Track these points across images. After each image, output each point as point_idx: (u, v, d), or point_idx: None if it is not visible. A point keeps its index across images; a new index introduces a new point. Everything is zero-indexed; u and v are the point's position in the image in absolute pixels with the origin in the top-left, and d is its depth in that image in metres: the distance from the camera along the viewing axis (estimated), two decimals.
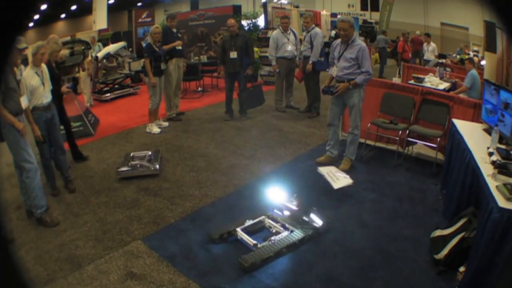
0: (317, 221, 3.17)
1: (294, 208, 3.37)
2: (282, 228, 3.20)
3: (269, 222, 3.30)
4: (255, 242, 2.97)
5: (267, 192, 3.55)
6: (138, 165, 4.36)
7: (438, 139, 4.24)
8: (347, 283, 2.63)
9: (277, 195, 3.48)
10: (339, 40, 4.30)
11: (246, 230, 3.15)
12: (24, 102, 3.29)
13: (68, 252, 3.02)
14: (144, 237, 3.20)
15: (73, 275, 2.77)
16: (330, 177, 3.73)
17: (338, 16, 14.31)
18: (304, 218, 3.25)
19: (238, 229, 3.13)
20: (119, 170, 4.29)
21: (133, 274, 2.75)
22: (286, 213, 3.39)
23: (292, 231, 3.12)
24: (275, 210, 3.43)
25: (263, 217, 3.34)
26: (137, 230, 3.30)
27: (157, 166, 4.35)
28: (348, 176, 3.76)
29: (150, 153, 4.66)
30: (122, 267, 2.84)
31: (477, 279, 2.31)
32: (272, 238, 3.05)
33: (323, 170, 3.87)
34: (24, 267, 2.53)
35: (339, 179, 3.69)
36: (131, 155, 4.61)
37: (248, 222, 3.23)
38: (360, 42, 4.24)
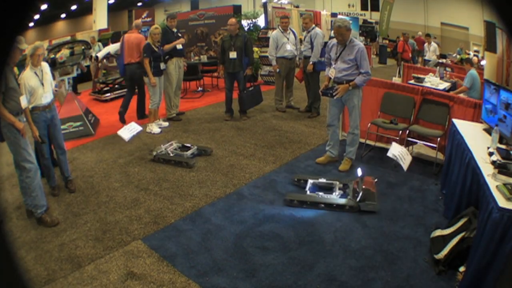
0: (359, 197, 3.55)
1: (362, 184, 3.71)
2: (339, 192, 3.75)
3: (339, 186, 3.84)
4: (307, 190, 3.75)
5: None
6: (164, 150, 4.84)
7: (438, 139, 4.24)
8: (347, 283, 2.63)
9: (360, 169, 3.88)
10: (335, 41, 4.21)
11: (315, 184, 3.86)
12: (23, 102, 3.28)
13: (68, 252, 3.02)
14: (144, 237, 3.20)
15: (73, 275, 2.77)
16: (401, 159, 3.73)
17: (339, 16, 14.34)
18: (360, 192, 3.61)
19: (310, 180, 3.88)
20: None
21: (133, 274, 2.76)
22: (354, 185, 3.79)
23: (341, 197, 3.67)
24: (352, 181, 3.85)
25: (337, 181, 3.90)
26: (137, 230, 3.30)
27: (154, 153, 4.71)
28: (409, 153, 3.92)
29: (192, 153, 4.83)
30: (122, 267, 2.84)
31: (477, 279, 2.31)
32: (320, 193, 3.71)
33: (395, 152, 3.75)
34: (24, 267, 2.54)
35: (405, 159, 3.77)
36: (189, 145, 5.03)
37: (321, 180, 3.92)
38: (358, 42, 4.16)
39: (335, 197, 3.65)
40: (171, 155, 4.71)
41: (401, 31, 13.50)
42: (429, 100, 4.57)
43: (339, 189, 3.82)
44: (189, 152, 4.79)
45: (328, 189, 3.85)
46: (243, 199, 3.80)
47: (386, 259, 2.87)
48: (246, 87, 6.34)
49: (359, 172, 3.76)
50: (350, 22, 4.27)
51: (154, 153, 4.72)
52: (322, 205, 3.57)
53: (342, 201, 3.57)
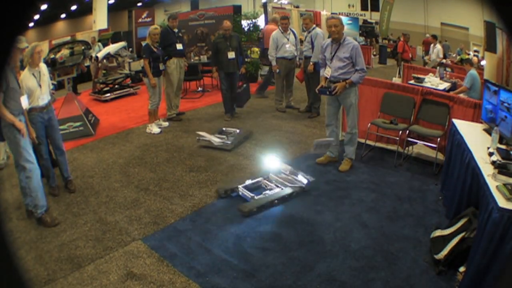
0: (303, 181, 3.91)
1: (285, 171, 4.16)
2: (275, 186, 3.93)
3: (265, 182, 4.04)
4: (252, 195, 3.72)
5: (263, 159, 4.41)
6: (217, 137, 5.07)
7: (438, 139, 4.24)
8: (347, 283, 2.63)
9: (272, 162, 4.30)
10: (329, 40, 4.25)
11: (247, 187, 3.88)
12: (24, 102, 3.29)
13: (68, 252, 3.02)
14: (144, 237, 3.20)
15: (73, 275, 2.77)
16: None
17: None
18: (293, 178, 3.99)
19: (240, 186, 3.86)
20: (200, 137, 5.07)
21: (133, 274, 2.76)
22: (279, 175, 4.12)
23: (282, 188, 3.84)
24: (270, 174, 4.14)
25: (260, 178, 4.09)
26: (137, 230, 3.30)
27: (229, 142, 4.95)
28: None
29: (238, 131, 5.37)
30: (122, 267, 2.84)
31: (477, 279, 2.31)
32: (266, 192, 3.81)
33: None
34: (24, 267, 2.54)
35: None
36: (223, 129, 5.49)
37: (248, 182, 3.97)
38: (351, 40, 4.17)
39: (281, 190, 3.81)
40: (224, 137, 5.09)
41: (401, 31, 13.49)
42: (429, 100, 4.57)
43: (270, 182, 4.02)
44: (237, 130, 5.36)
45: (259, 187, 4.00)
46: (243, 199, 3.80)
47: (386, 259, 2.87)
48: (239, 85, 6.41)
49: (274, 163, 4.25)
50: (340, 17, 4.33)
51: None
52: (276, 201, 3.68)
53: (289, 190, 3.79)
